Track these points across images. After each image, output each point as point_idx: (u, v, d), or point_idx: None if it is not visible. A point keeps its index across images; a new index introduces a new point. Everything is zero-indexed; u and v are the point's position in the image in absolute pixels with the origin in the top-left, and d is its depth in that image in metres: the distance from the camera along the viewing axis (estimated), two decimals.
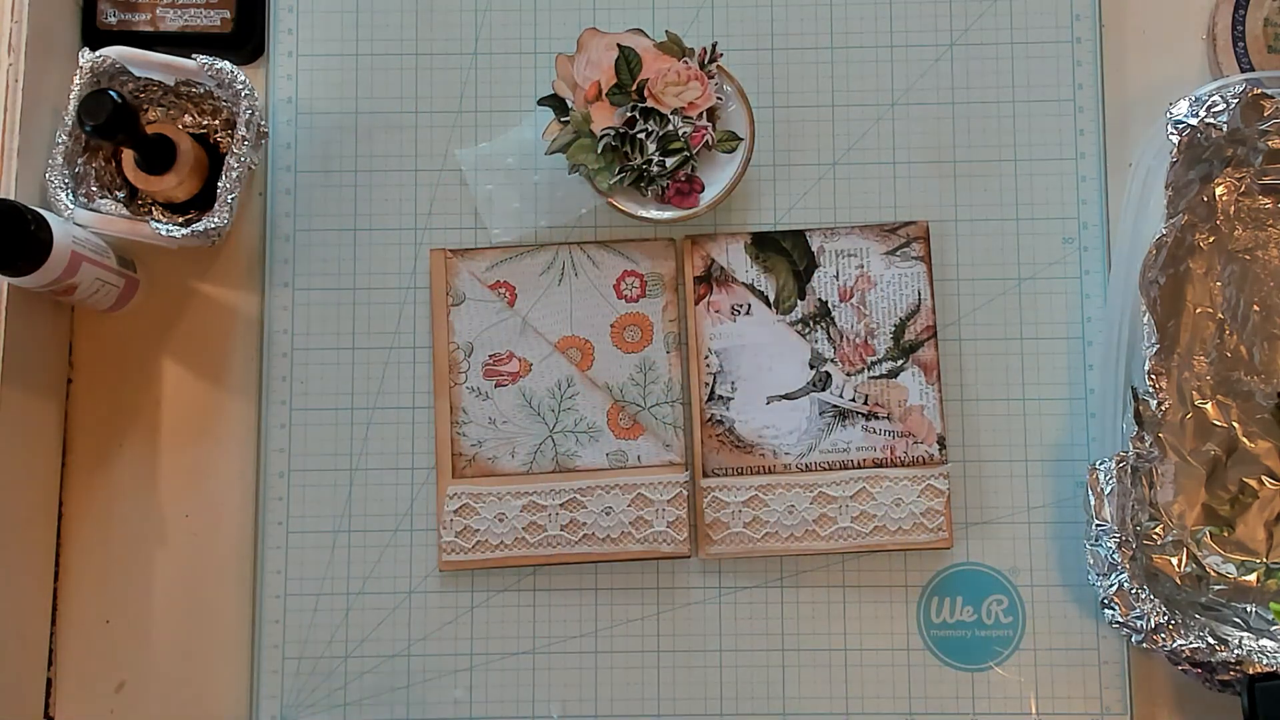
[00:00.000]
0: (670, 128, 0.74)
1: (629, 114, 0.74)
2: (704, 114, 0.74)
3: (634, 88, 0.74)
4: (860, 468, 0.76)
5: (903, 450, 0.76)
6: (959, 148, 0.79)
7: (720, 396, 0.77)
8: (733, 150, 0.75)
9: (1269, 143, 0.75)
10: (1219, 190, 0.77)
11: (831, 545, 0.75)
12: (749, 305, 0.78)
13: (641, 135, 0.74)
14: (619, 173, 0.74)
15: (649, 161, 0.74)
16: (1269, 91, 0.72)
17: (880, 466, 0.76)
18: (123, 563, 0.76)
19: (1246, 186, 0.77)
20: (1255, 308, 0.77)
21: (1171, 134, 0.72)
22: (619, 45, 0.74)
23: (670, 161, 0.74)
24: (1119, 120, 0.79)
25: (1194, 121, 0.72)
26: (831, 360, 0.77)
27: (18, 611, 0.73)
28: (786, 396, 0.77)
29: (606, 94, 0.73)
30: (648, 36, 0.74)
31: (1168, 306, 0.76)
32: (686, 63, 0.74)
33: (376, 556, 0.76)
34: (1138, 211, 0.75)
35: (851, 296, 0.77)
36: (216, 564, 0.77)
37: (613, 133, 0.74)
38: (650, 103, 0.74)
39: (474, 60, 0.80)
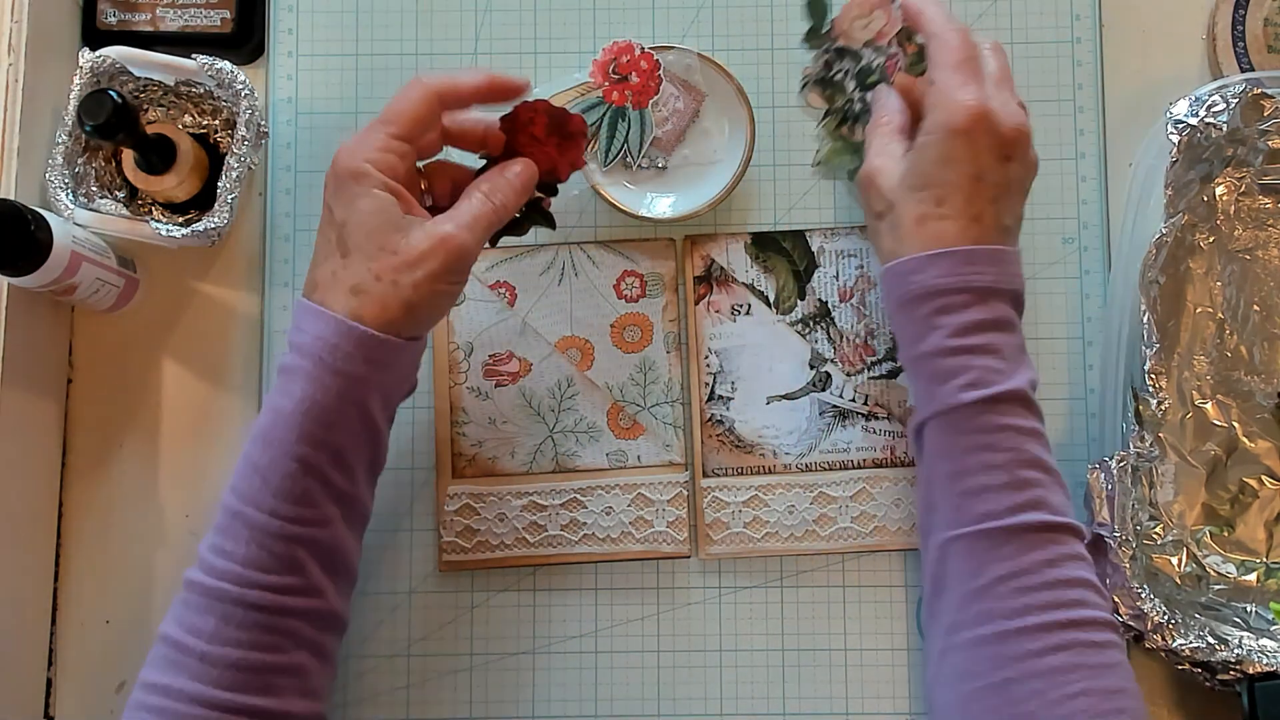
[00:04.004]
0: (865, 62, 0.74)
1: (825, 57, 0.74)
2: (891, 40, 0.74)
3: (825, 30, 0.75)
4: (860, 468, 0.76)
5: (903, 450, 0.76)
6: None
7: (720, 396, 0.77)
8: (924, 72, 0.74)
9: (1269, 143, 0.75)
10: (1219, 190, 0.77)
11: (832, 545, 0.75)
12: (749, 305, 0.78)
13: (839, 76, 0.74)
14: (824, 116, 0.75)
15: (850, 100, 0.74)
16: (1269, 91, 0.72)
17: (880, 467, 0.76)
18: (123, 563, 0.76)
19: (1246, 186, 0.77)
20: (1255, 308, 0.77)
21: (1171, 134, 0.72)
22: None
23: (870, 96, 0.74)
24: (1119, 120, 0.79)
25: (1194, 121, 0.72)
26: (831, 360, 0.77)
27: (18, 611, 0.73)
28: (786, 396, 0.77)
29: (804, 39, 0.74)
30: None
31: (1168, 306, 0.76)
32: None
33: (377, 556, 0.76)
34: (1138, 211, 0.75)
35: (852, 297, 0.77)
36: None
37: (811, 80, 0.74)
38: (841, 41, 0.74)
39: (474, 60, 0.80)
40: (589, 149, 0.73)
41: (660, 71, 0.71)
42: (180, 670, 0.59)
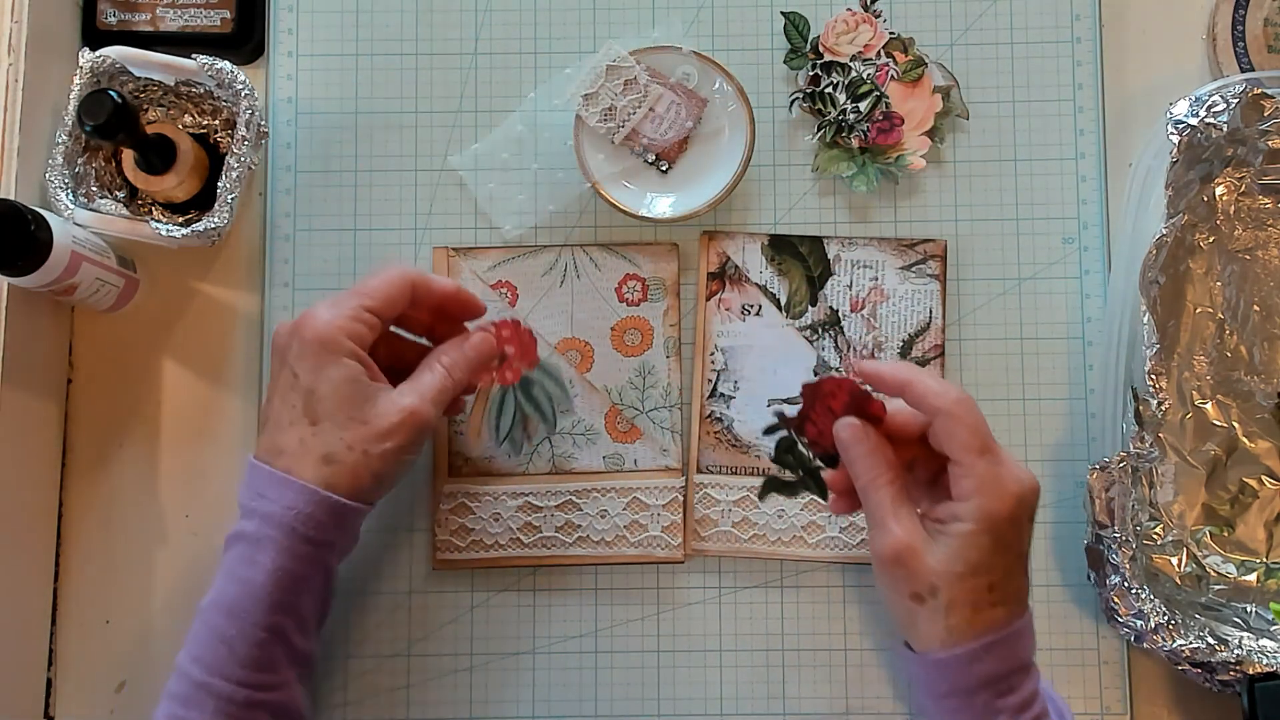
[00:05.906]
0: (854, 74, 0.77)
1: (812, 73, 0.77)
2: (880, 52, 0.77)
3: (808, 48, 0.78)
4: None
5: None
6: (959, 148, 0.79)
7: (722, 394, 0.76)
8: (919, 78, 0.78)
9: (1269, 143, 0.75)
10: (1219, 190, 0.77)
11: (818, 553, 0.75)
12: (760, 306, 0.77)
13: (829, 90, 0.77)
14: (818, 129, 0.77)
15: (843, 111, 0.77)
16: (1269, 91, 0.72)
17: None
18: (123, 563, 0.76)
19: (1246, 186, 0.77)
20: (1255, 308, 0.77)
21: (1171, 134, 0.72)
22: (782, 12, 0.78)
23: (864, 105, 0.77)
24: (1119, 120, 0.79)
25: (1194, 121, 0.72)
26: (837, 369, 0.77)
27: (18, 611, 0.73)
28: (788, 401, 0.76)
29: (785, 60, 0.78)
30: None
31: (1168, 306, 0.76)
32: (850, 10, 0.78)
33: (376, 556, 0.76)
34: (1138, 211, 0.75)
35: (863, 308, 0.77)
36: (216, 564, 0.76)
37: (800, 95, 0.77)
38: (828, 56, 0.77)
39: (474, 60, 0.80)
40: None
41: (524, 324, 0.70)
42: None
